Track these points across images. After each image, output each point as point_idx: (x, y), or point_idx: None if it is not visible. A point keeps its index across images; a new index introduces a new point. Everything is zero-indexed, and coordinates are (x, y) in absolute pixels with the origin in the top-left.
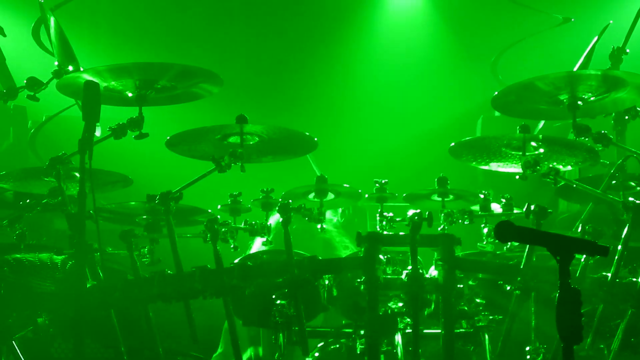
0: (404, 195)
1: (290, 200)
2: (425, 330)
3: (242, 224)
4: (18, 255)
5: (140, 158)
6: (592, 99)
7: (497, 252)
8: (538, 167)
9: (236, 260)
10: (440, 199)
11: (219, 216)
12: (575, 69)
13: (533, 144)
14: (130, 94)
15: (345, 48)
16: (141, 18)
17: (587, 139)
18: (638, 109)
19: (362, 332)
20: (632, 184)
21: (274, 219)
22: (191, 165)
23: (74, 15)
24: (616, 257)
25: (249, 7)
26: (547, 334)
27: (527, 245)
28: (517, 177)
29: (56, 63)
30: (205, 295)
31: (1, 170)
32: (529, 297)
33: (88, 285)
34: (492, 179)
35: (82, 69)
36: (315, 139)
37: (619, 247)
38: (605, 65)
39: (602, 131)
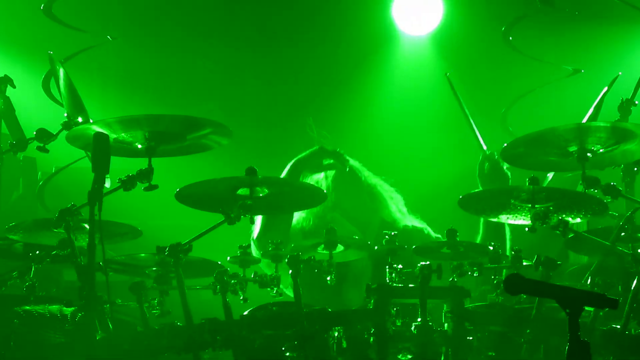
0: (414, 247)
1: (299, 253)
2: None
3: (252, 275)
4: (28, 307)
5: (149, 210)
6: (601, 150)
7: (507, 304)
8: (547, 220)
9: (245, 312)
10: (449, 251)
11: (228, 268)
12: (584, 120)
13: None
14: (139, 146)
15: (354, 101)
16: (151, 70)
17: (596, 191)
18: None
19: None
20: None
21: None
22: (201, 216)
23: (84, 67)
24: (626, 310)
25: (258, 59)
26: None
27: (537, 297)
28: (527, 229)
29: (66, 114)
30: (214, 347)
31: (11, 222)
32: (538, 350)
33: (97, 337)
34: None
35: (91, 121)
36: (325, 190)
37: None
38: (614, 116)
39: (612, 183)
